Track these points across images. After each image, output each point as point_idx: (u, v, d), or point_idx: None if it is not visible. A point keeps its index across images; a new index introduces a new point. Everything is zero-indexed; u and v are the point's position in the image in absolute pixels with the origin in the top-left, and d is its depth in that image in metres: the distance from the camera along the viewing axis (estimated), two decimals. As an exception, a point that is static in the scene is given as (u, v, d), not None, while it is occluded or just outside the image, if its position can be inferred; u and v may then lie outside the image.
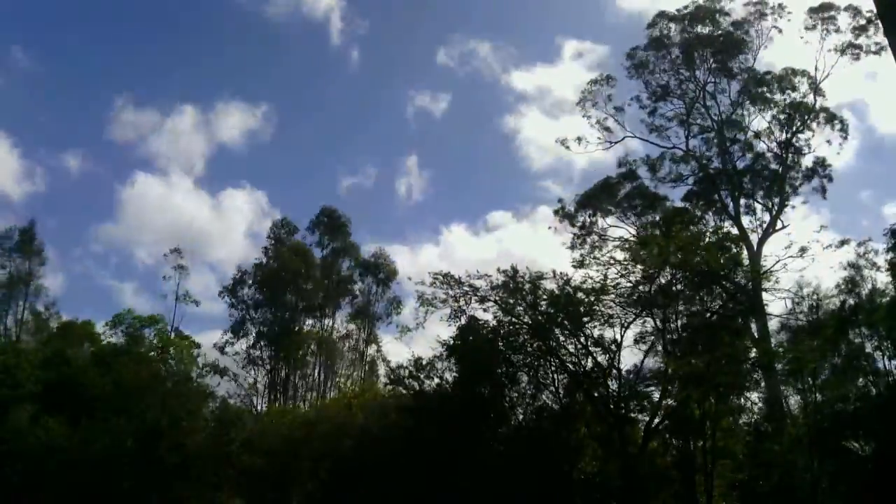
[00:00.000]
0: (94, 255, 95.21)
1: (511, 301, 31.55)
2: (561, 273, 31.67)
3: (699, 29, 41.62)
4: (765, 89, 40.62)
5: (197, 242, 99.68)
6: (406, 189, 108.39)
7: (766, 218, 38.66)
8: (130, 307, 45.82)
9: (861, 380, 33.61)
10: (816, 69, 39.72)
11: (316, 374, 44.09)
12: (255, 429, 38.69)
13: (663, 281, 32.06)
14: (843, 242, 35.31)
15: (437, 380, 33.26)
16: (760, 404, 33.64)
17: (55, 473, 31.36)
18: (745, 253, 36.91)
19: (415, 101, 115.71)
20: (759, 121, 40.62)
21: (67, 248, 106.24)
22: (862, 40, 39.24)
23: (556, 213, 41.55)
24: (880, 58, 38.89)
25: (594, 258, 36.87)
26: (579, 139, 42.86)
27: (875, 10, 6.06)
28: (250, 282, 45.45)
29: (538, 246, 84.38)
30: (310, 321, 45.92)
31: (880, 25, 39.11)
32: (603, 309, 30.68)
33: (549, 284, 31.31)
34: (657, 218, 40.11)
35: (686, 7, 42.14)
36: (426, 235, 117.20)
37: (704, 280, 32.64)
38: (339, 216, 48.47)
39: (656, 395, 30.88)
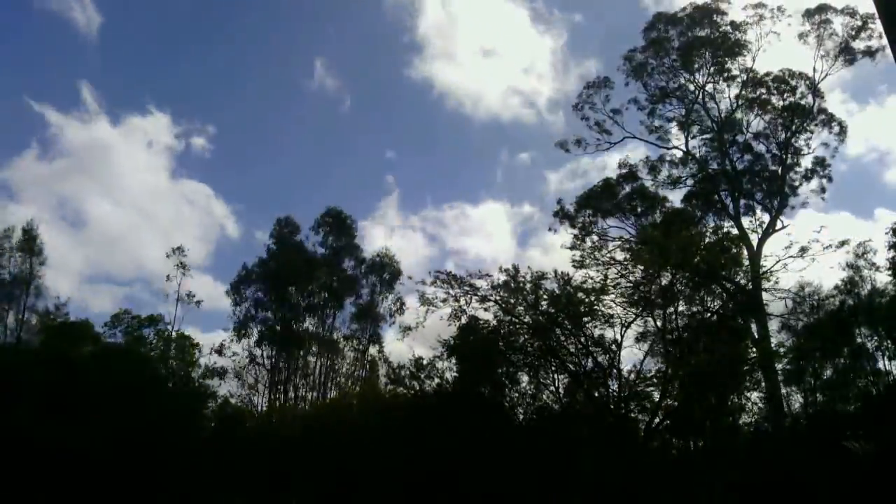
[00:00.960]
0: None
1: (512, 301, 31.58)
2: (562, 273, 31.78)
3: (697, 31, 41.72)
4: (763, 91, 40.71)
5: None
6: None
7: (766, 218, 38.75)
8: (128, 308, 45.86)
9: (861, 380, 33.71)
10: (815, 70, 39.90)
11: (317, 374, 44.06)
12: (255, 429, 38.69)
13: (664, 281, 32.13)
14: (842, 243, 35.31)
15: (437, 380, 33.34)
16: (760, 404, 33.67)
17: (56, 473, 31.35)
18: (745, 253, 36.96)
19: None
20: (758, 122, 40.74)
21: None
22: (857, 43, 39.45)
23: (555, 213, 41.56)
24: (874, 59, 39.24)
25: (594, 258, 36.98)
26: (578, 141, 42.91)
27: (874, 11, 6.08)
28: (254, 280, 45.41)
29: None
30: (312, 321, 45.85)
31: (875, 27, 39.28)
32: (603, 309, 30.73)
33: (550, 284, 31.39)
34: (657, 219, 40.15)
35: (685, 9, 42.28)
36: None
37: (705, 280, 32.71)
38: (344, 217, 48.48)
39: (656, 395, 30.91)
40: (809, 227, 40.44)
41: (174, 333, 42.55)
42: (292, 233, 47.40)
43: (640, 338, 32.20)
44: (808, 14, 40.48)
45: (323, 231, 47.69)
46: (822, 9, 40.37)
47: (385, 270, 47.34)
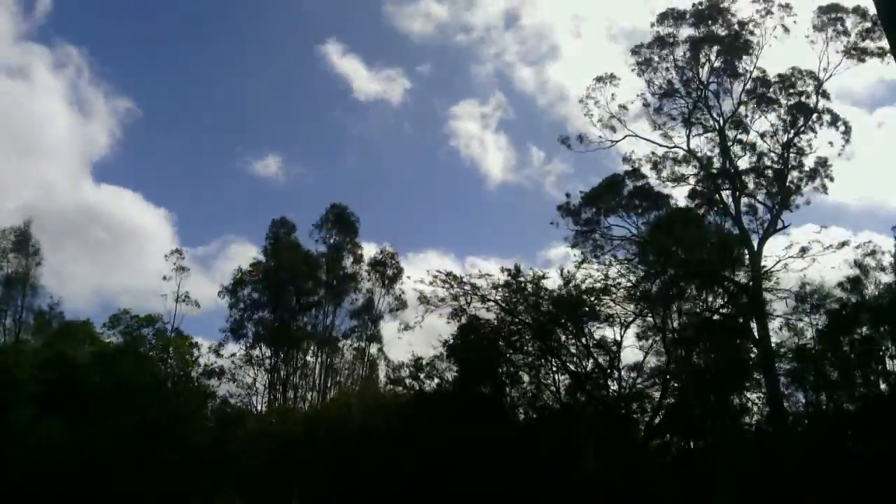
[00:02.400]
0: None
1: (513, 300, 31.54)
2: (565, 272, 31.79)
3: (704, 28, 41.46)
4: (768, 90, 40.46)
5: None
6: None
7: (768, 218, 38.55)
8: (127, 308, 45.75)
9: (863, 379, 33.62)
10: (821, 70, 39.61)
11: (316, 373, 44.00)
12: (255, 429, 38.65)
13: (665, 280, 32.10)
14: (843, 244, 35.23)
15: (437, 380, 33.32)
16: (761, 404, 33.59)
17: (55, 473, 31.36)
18: (745, 252, 36.82)
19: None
20: (761, 121, 40.47)
21: None
22: (867, 43, 39.14)
23: (559, 208, 41.27)
24: (882, 61, 38.88)
25: (595, 257, 36.93)
26: (581, 137, 42.68)
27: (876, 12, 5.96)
28: (249, 282, 45.23)
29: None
30: (310, 320, 45.75)
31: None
32: (604, 309, 30.70)
33: (551, 284, 31.36)
34: (660, 216, 39.98)
35: (693, 6, 42.01)
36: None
37: (706, 280, 32.65)
38: (348, 214, 48.14)
39: (657, 395, 30.88)
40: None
41: (172, 333, 42.48)
42: (288, 233, 47.19)
43: (641, 336, 32.14)
44: (821, 11, 40.12)
45: (325, 228, 47.41)
46: (831, 8, 40.04)
47: (386, 268, 47.15)
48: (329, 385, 43.96)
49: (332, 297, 46.10)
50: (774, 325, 35.16)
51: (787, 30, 40.09)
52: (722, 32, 41.19)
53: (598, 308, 30.59)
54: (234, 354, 40.84)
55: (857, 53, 39.08)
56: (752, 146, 40.39)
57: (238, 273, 45.25)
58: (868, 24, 38.80)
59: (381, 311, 46.61)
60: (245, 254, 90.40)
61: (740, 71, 40.91)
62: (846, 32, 39.33)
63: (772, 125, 39.96)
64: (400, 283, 46.69)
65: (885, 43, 38.30)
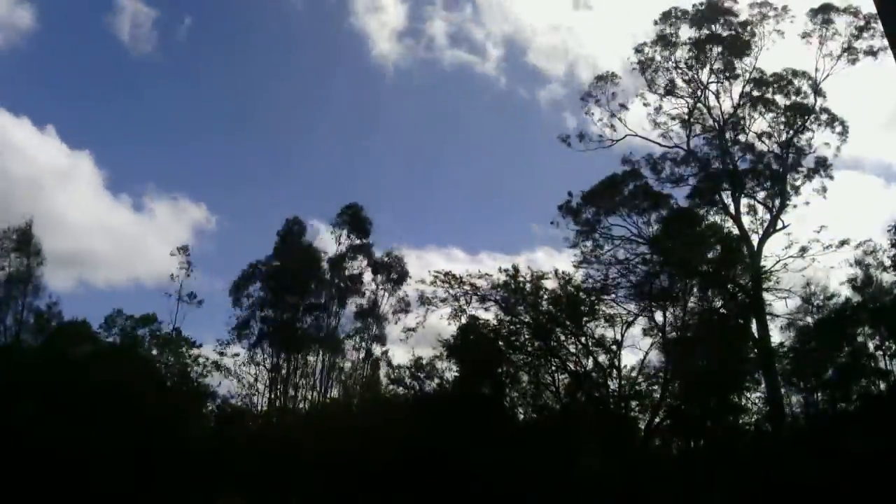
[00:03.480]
0: None
1: (513, 300, 31.59)
2: (563, 272, 31.83)
3: (705, 29, 41.59)
4: (767, 90, 40.58)
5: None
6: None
7: (767, 218, 38.61)
8: (120, 308, 45.45)
9: (863, 379, 33.67)
10: (817, 70, 39.79)
11: (318, 373, 43.91)
12: (255, 429, 38.67)
13: (665, 280, 32.14)
14: (843, 243, 35.28)
15: (437, 380, 33.38)
16: (761, 404, 33.62)
17: (55, 473, 31.33)
18: (745, 252, 36.85)
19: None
20: (760, 121, 40.59)
21: None
22: (859, 43, 39.39)
23: (559, 208, 41.23)
24: (876, 59, 39.13)
25: (595, 257, 37.00)
26: (581, 136, 42.67)
27: (875, 10, 5.97)
28: (258, 280, 45.07)
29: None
30: (313, 320, 45.56)
31: (878, 27, 39.14)
32: (604, 308, 30.76)
33: (551, 284, 31.40)
34: (660, 216, 40.00)
35: (694, 6, 42.15)
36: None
37: (707, 280, 32.69)
38: (363, 215, 47.68)
39: (657, 395, 30.91)
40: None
41: (173, 333, 42.38)
42: (300, 233, 46.94)
43: (644, 334, 32.19)
44: (812, 13, 40.31)
45: (338, 228, 46.88)
46: (825, 8, 40.22)
47: (392, 270, 46.85)
48: (330, 385, 43.91)
49: (338, 299, 45.87)
50: (776, 324, 35.27)
51: (781, 33, 40.36)
52: (721, 34, 41.32)
53: (597, 308, 30.65)
54: (237, 354, 40.73)
55: (849, 54, 39.30)
56: (752, 146, 40.48)
57: (249, 269, 45.02)
58: (861, 23, 39.04)
59: (384, 313, 46.34)
60: (183, 207, 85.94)
61: (739, 71, 41.06)
62: (838, 33, 39.58)
63: (770, 125, 40.08)
64: (405, 284, 46.42)
65: (876, 41, 38.50)
